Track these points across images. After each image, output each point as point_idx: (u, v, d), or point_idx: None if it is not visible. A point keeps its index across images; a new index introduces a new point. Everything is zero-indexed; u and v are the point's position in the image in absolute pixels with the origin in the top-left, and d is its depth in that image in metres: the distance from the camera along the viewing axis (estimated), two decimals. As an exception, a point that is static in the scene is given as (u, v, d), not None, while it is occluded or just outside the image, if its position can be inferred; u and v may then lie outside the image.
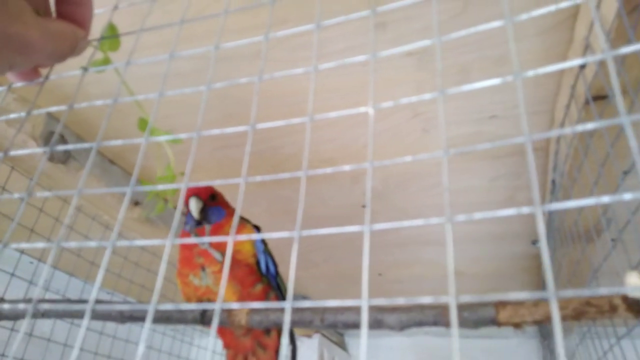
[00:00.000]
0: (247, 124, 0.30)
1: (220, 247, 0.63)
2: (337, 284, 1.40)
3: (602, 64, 0.49)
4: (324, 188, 0.93)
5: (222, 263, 0.64)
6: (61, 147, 0.34)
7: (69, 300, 0.64)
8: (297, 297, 1.50)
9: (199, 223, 0.65)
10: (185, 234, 0.66)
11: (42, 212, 0.82)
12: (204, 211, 0.64)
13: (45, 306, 0.66)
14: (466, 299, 0.21)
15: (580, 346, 0.81)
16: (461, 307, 0.53)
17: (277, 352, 0.69)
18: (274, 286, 0.69)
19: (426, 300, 0.22)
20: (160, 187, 0.31)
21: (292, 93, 0.69)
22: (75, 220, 0.91)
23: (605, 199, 0.21)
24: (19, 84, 0.40)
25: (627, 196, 0.21)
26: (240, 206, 0.30)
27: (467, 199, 0.93)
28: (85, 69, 0.39)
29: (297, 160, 0.85)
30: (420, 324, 0.55)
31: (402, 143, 0.77)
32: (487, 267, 1.25)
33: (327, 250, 1.23)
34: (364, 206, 1.00)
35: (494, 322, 0.53)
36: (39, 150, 0.34)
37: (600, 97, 0.54)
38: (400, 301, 0.22)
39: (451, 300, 0.21)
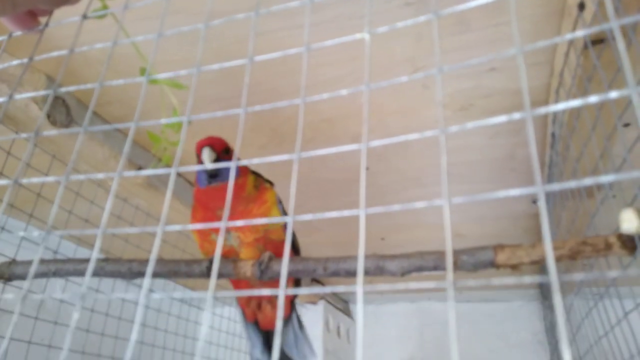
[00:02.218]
0: (241, 82, 0.31)
1: (246, 226, 0.62)
2: (341, 249, 1.42)
3: (600, 5, 0.49)
4: (325, 149, 0.94)
5: (251, 241, 0.63)
6: (63, 89, 0.35)
7: (74, 259, 0.66)
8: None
9: (212, 177, 0.61)
10: (201, 190, 0.63)
11: (48, 177, 0.84)
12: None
13: (56, 265, 0.68)
14: (459, 200, 0.22)
15: (576, 297, 0.83)
16: (460, 251, 0.54)
17: (292, 300, 0.71)
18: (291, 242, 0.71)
19: (420, 204, 0.23)
20: (163, 120, 0.32)
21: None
22: (80, 187, 0.92)
23: (593, 98, 0.22)
24: (18, 33, 0.40)
25: (614, 94, 0.21)
26: (240, 137, 0.30)
27: (468, 157, 0.93)
28: (84, 17, 0.39)
29: (297, 122, 0.85)
30: (420, 269, 0.56)
31: (402, 99, 0.77)
32: (488, 228, 1.26)
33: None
34: (366, 168, 1.01)
35: (492, 264, 0.54)
36: (43, 93, 0.34)
37: (598, 41, 0.54)
38: (396, 208, 0.23)
39: (444, 202, 0.22)
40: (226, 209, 0.26)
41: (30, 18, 0.39)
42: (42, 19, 0.40)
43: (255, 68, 0.73)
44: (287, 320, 0.73)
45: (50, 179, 0.32)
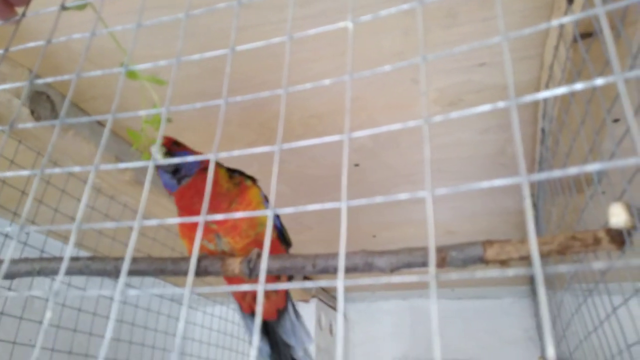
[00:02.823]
0: (230, 77, 0.30)
1: (233, 230, 0.61)
2: (332, 247, 1.42)
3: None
4: (315, 146, 0.93)
5: (242, 246, 0.62)
6: (41, 81, 0.33)
7: (59, 257, 0.65)
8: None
9: (174, 174, 0.59)
10: (175, 196, 0.62)
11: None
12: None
13: (41, 263, 0.66)
14: (442, 191, 0.22)
15: (566, 294, 0.83)
16: (449, 247, 0.54)
17: (286, 293, 0.72)
18: (281, 238, 0.71)
19: (403, 196, 0.22)
20: (142, 112, 0.31)
21: (274, 46, 0.69)
22: (66, 185, 0.91)
23: (579, 85, 0.21)
24: (-5, 24, 0.39)
25: (600, 81, 0.21)
26: (220, 129, 0.30)
27: (458, 154, 0.93)
28: (63, 7, 0.38)
29: (286, 118, 0.85)
30: (409, 265, 0.56)
31: (391, 94, 0.77)
32: (479, 225, 1.27)
33: (320, 214, 1.24)
34: (356, 165, 1.00)
35: (482, 259, 0.53)
36: (22, 84, 0.33)
37: (587, 35, 0.54)
38: (379, 200, 0.23)
39: (427, 194, 0.22)
40: (205, 201, 0.25)
41: (7, 8, 0.38)
42: (20, 10, 0.39)
43: (243, 63, 0.72)
44: (283, 310, 0.75)
45: (25, 172, 0.31)
